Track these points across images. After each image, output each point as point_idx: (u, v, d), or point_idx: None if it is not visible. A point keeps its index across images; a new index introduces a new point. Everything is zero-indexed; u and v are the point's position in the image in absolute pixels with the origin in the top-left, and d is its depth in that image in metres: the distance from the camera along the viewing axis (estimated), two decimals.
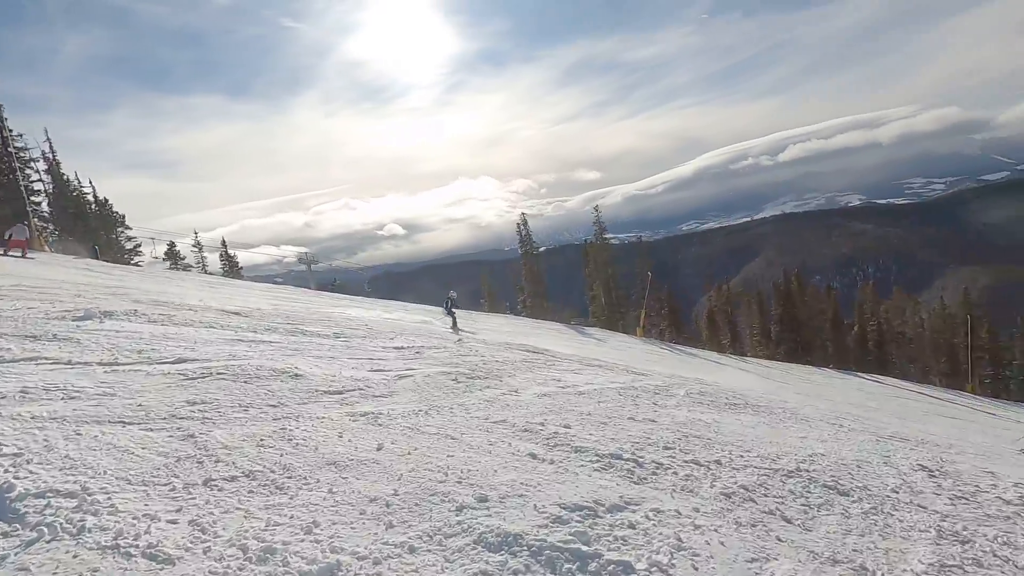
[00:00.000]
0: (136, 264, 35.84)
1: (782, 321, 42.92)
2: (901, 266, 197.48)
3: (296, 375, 5.59)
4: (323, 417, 4.48)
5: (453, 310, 16.72)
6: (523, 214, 42.53)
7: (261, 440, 3.76)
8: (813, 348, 43.62)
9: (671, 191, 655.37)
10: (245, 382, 5.12)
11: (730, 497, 3.84)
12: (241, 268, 45.09)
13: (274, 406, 4.63)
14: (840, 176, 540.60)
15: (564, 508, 3.18)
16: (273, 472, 3.28)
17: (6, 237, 18.43)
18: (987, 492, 5.25)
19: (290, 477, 3.25)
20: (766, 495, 4.04)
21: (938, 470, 5.79)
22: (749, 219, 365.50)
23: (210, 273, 39.26)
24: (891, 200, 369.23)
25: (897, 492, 4.72)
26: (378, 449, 3.87)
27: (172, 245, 41.31)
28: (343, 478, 3.32)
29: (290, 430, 4.03)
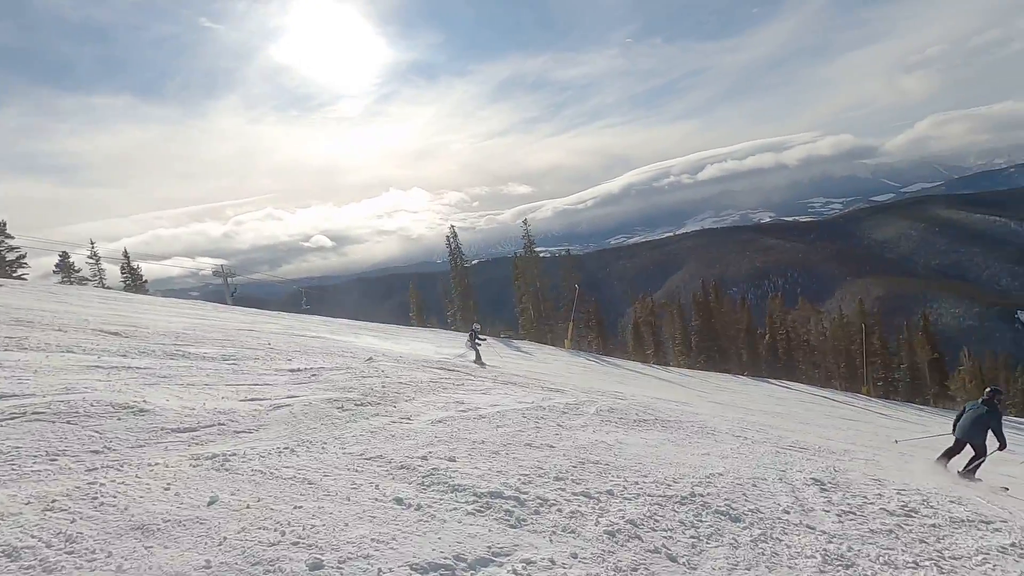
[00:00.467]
0: (20, 278, 31.99)
1: (701, 331, 44.82)
2: (806, 278, 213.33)
3: (141, 410, 4.79)
4: (156, 464, 3.78)
5: (478, 342, 15.74)
6: (453, 227, 42.05)
7: (53, 501, 3.04)
8: (729, 356, 45.80)
9: (600, 206, 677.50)
10: (68, 422, 4.29)
11: (614, 536, 3.53)
12: (146, 282, 41.52)
13: (96, 452, 3.87)
14: (752, 195, 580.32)
15: (417, 569, 2.73)
16: (49, 547, 2.60)
17: None
18: (873, 503, 5.32)
19: (70, 553, 2.58)
20: (654, 529, 3.78)
21: (830, 482, 5.85)
22: (672, 234, 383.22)
23: (108, 288, 35.77)
24: (797, 217, 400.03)
25: (788, 512, 4.63)
26: (209, 504, 3.24)
27: (65, 256, 37.40)
28: (145, 548, 2.69)
29: (101, 484, 3.32)
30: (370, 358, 10.91)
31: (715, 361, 43.43)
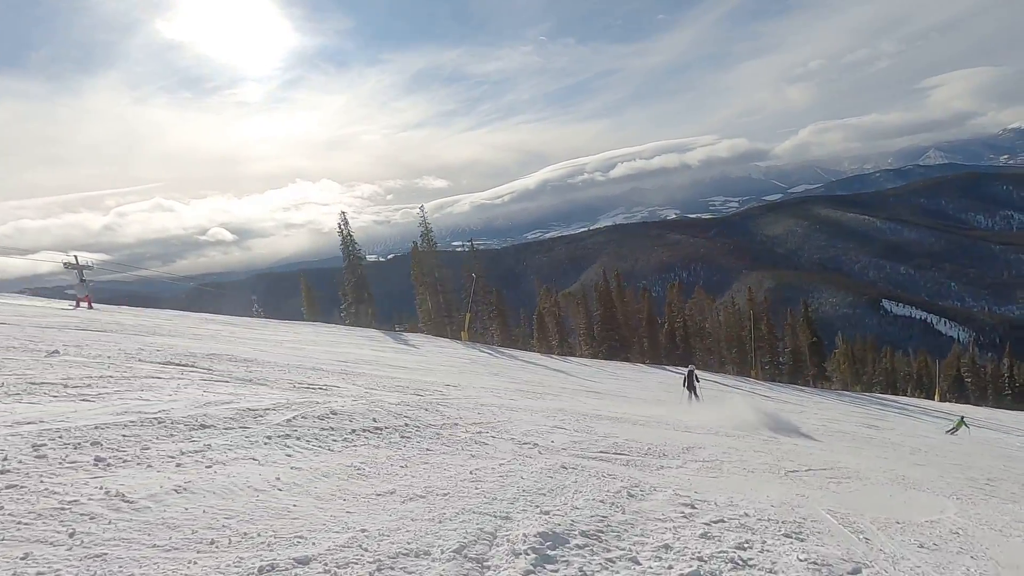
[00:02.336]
0: None
1: (604, 321, 45.06)
2: (708, 271, 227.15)
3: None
4: None
5: (696, 384, 16.75)
6: (343, 213, 39.02)
7: None
8: (631, 345, 46.48)
9: (516, 201, 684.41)
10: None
11: None
12: None
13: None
14: (660, 193, 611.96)
15: None
16: None
17: None
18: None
19: None
20: None
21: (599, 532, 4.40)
22: (587, 229, 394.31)
23: None
24: (699, 215, 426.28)
25: None
26: None
27: None
28: None
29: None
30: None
31: (617, 350, 43.81)
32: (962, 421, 24.46)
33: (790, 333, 51.01)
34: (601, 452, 6.57)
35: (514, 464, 5.13)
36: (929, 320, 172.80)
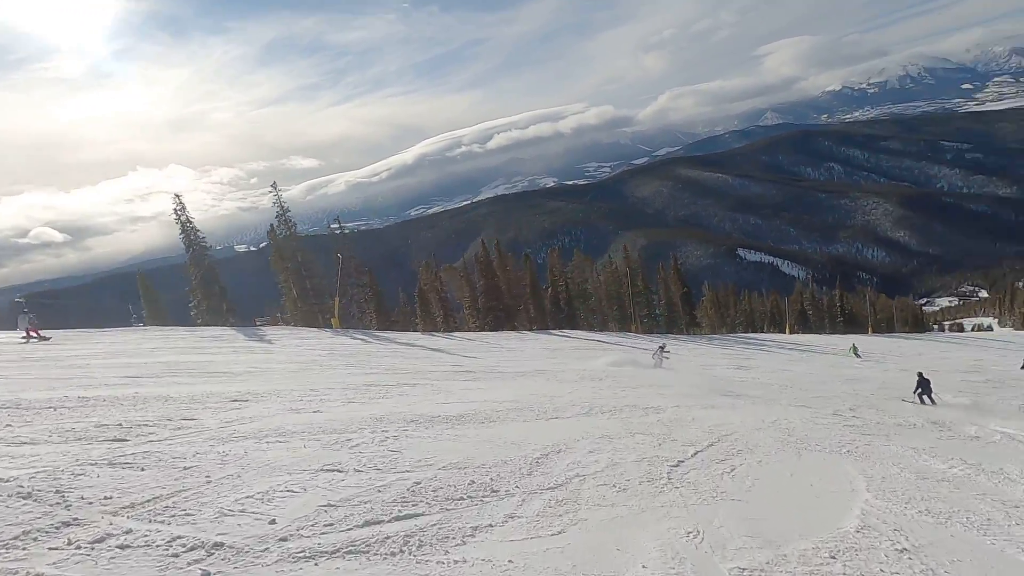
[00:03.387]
0: None
1: (487, 292, 44.05)
2: (588, 235, 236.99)
3: None
4: None
5: (665, 355, 19.86)
6: (178, 195, 33.52)
7: None
8: (517, 313, 46.09)
9: (394, 178, 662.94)
10: None
11: None
12: None
13: None
14: (537, 162, 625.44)
15: None
16: None
17: None
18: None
19: None
20: None
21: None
22: (469, 202, 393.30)
23: None
24: (575, 181, 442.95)
25: None
26: None
27: None
28: None
29: None
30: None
31: (503, 320, 43.15)
32: (854, 348, 28.97)
33: (663, 286, 53.94)
34: (367, 524, 3.96)
35: None
36: (776, 263, 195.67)
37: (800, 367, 22.26)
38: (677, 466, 6.16)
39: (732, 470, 6.18)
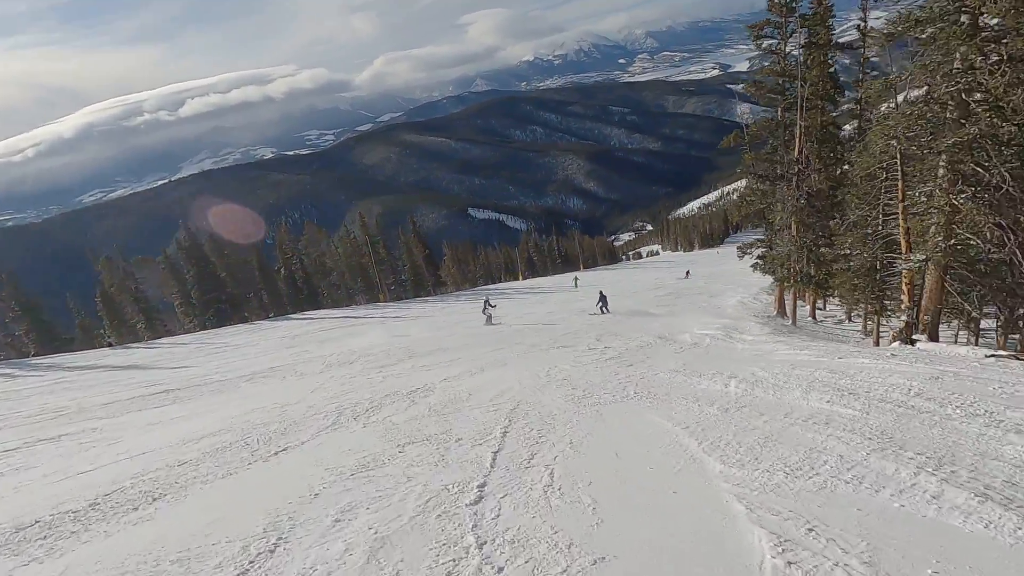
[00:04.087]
0: None
1: (202, 282, 36.87)
2: (320, 208, 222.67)
3: None
4: None
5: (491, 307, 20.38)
6: None
7: None
8: (247, 302, 40.04)
9: (49, 155, 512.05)
10: None
11: None
12: None
13: None
14: (248, 131, 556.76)
15: None
16: None
17: None
18: None
19: None
20: None
21: None
22: (167, 180, 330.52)
23: None
24: (297, 151, 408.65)
25: None
26: None
27: None
28: None
29: None
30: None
31: (228, 313, 36.90)
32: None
33: (406, 251, 53.41)
34: None
35: None
36: (502, 219, 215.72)
37: (541, 308, 24.12)
38: (478, 502, 4.00)
39: (553, 479, 4.33)
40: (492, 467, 4.77)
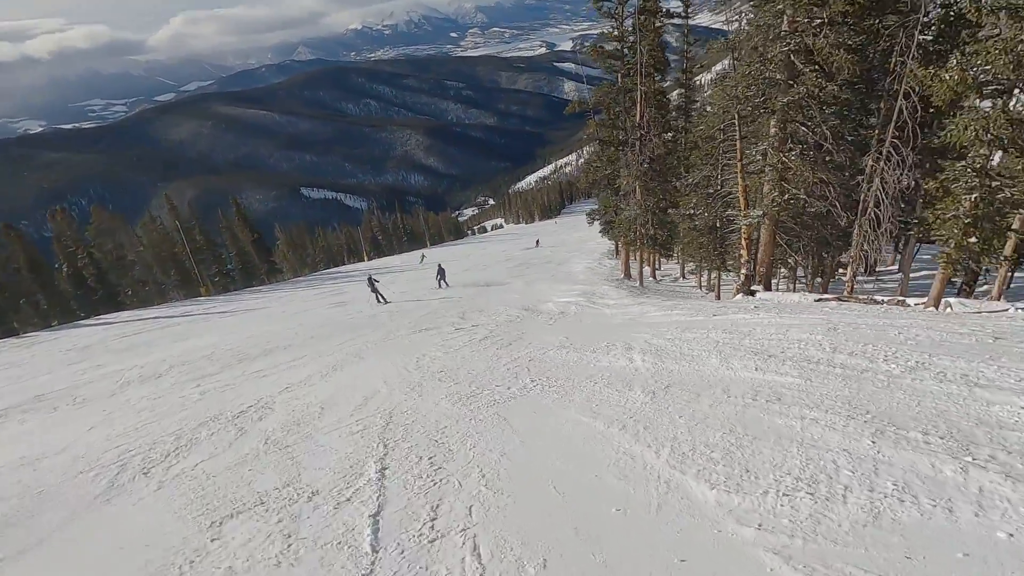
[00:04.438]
0: None
1: None
2: (116, 192, 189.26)
3: None
4: None
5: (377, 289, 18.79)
6: None
7: None
8: (15, 311, 32.40)
9: None
10: None
11: None
12: None
13: None
14: (5, 100, 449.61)
15: None
16: None
17: None
18: None
19: None
20: None
21: None
22: None
23: None
24: (77, 124, 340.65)
25: None
26: None
27: None
28: None
29: None
30: None
31: None
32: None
33: (230, 236, 47.38)
34: None
35: None
36: (340, 198, 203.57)
37: (393, 288, 22.94)
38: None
39: (482, 562, 2.99)
40: (375, 551, 3.10)
